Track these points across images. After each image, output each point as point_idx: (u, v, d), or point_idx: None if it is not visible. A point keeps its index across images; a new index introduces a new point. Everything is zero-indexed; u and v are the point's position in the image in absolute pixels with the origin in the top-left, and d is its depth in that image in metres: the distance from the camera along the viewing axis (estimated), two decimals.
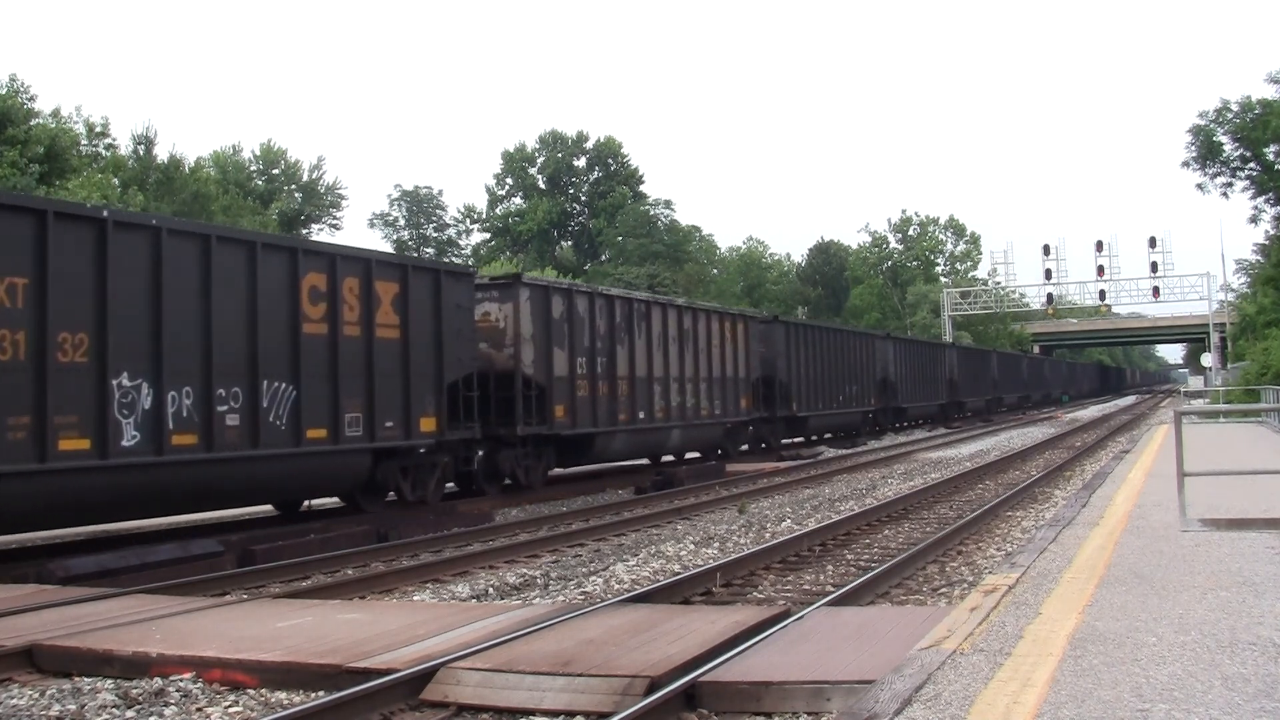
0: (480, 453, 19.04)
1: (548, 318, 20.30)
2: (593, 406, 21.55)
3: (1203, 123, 54.46)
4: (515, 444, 19.79)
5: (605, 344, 22.17)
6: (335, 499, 17.93)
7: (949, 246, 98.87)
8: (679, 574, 11.47)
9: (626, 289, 48.84)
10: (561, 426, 20.50)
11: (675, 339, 25.06)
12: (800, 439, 35.34)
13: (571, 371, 20.87)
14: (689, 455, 28.85)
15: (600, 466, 25.10)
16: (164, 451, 12.68)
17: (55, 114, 45.81)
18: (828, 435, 37.93)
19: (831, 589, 10.64)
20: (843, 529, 14.91)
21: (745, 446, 30.77)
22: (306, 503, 17.63)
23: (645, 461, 27.51)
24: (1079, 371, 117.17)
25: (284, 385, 14.36)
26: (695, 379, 25.96)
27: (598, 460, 23.43)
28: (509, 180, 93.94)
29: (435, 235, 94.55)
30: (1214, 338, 73.62)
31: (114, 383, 12.20)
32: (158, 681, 7.14)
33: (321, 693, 6.81)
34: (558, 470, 22.56)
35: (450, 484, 19.12)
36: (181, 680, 7.14)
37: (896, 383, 43.17)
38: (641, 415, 23.29)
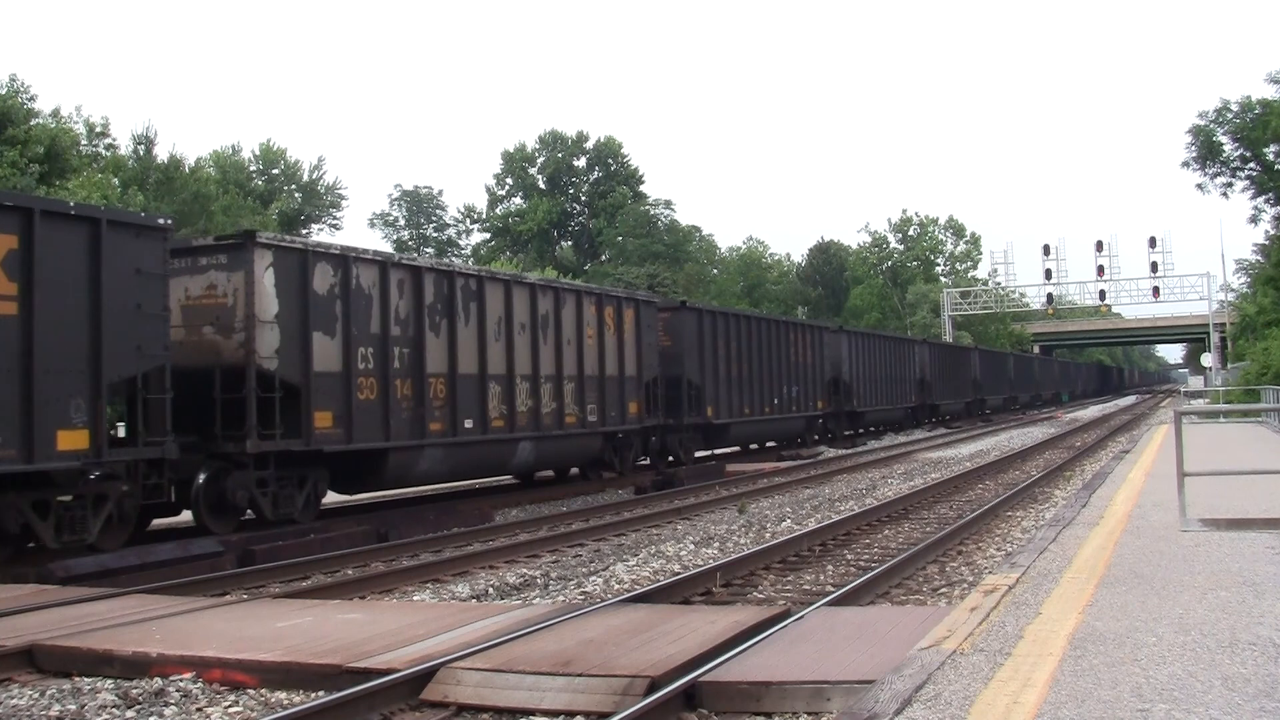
0: (201, 476, 14.24)
1: (305, 293, 15.27)
2: (384, 413, 16.36)
3: (1202, 123, 54.46)
4: (248, 465, 14.64)
5: (408, 330, 17.06)
6: None
7: (949, 246, 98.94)
8: (679, 574, 11.47)
9: (627, 287, 48.85)
10: (326, 440, 15.38)
11: (526, 326, 19.74)
12: (717, 450, 29.98)
13: (348, 366, 15.82)
14: (550, 474, 23.89)
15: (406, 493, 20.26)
16: None
17: (55, 114, 45.78)
18: (753, 446, 32.90)
19: (831, 589, 10.64)
20: (843, 529, 14.91)
21: (645, 460, 25.69)
22: None
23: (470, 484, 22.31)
24: (1073, 371, 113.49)
25: None
26: (557, 378, 20.57)
27: (397, 485, 18.16)
28: (509, 180, 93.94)
29: (435, 235, 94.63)
30: (1214, 338, 73.62)
31: None
32: (158, 681, 7.14)
33: (321, 693, 6.81)
34: (338, 500, 17.97)
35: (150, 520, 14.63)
36: (181, 680, 7.14)
37: (851, 383, 38.01)
38: (468, 424, 18.00)
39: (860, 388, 39.19)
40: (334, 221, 79.01)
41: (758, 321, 31.35)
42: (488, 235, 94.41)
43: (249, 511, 14.96)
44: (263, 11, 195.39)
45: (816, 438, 35.85)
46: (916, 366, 47.41)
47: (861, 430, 40.93)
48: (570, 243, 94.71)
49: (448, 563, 12.94)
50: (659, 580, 11.24)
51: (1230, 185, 55.62)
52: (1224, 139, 54.45)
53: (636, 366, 23.63)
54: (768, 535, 14.85)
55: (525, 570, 12.63)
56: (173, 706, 6.76)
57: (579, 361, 21.36)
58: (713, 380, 27.51)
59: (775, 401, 31.25)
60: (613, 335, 22.62)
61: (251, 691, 7.02)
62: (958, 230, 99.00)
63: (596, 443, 22.39)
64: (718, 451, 29.97)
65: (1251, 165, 54.63)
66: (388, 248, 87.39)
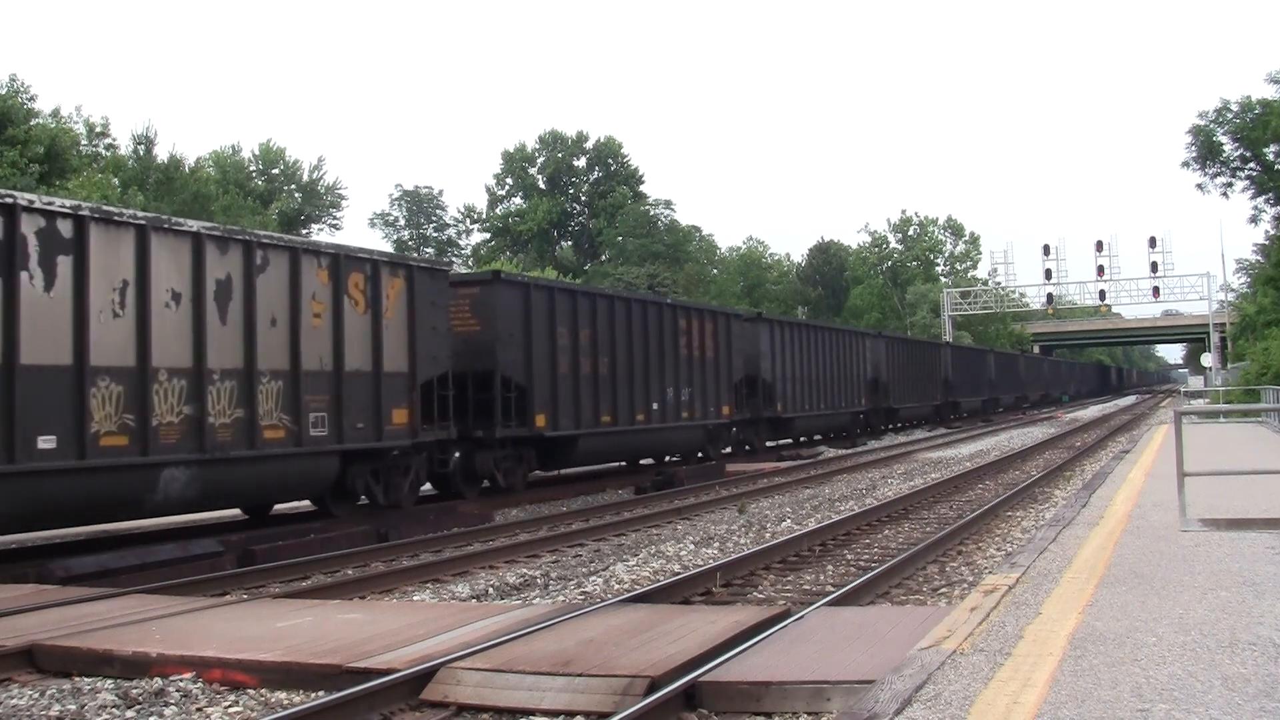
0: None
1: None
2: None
3: (1202, 123, 54.47)
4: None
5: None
6: None
7: (948, 246, 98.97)
8: (679, 574, 11.47)
9: (627, 287, 48.84)
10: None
11: (183, 297, 14.47)
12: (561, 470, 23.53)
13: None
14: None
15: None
16: None
17: (55, 114, 45.86)
18: (654, 459, 27.18)
19: (831, 589, 10.63)
20: (843, 529, 14.91)
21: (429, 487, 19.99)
22: None
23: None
24: (1066, 371, 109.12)
25: None
26: (246, 373, 14.61)
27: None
28: (509, 180, 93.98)
29: (435, 235, 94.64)
30: (1214, 338, 73.63)
31: None
32: (158, 681, 7.14)
33: (321, 693, 6.81)
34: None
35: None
36: (181, 680, 7.14)
37: (774, 384, 30.94)
38: (44, 444, 11.81)
39: (786, 389, 31.62)
40: (334, 221, 79.11)
41: (617, 301, 23.21)
42: (488, 235, 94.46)
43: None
44: (262, 11, 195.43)
45: (746, 448, 29.87)
46: (868, 366, 39.73)
47: (790, 441, 34.15)
48: (570, 243, 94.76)
49: (448, 563, 12.93)
50: (659, 580, 11.24)
51: (1230, 185, 55.67)
52: (1224, 139, 54.47)
53: (408, 359, 16.98)
54: (768, 535, 14.85)
55: (525, 570, 12.63)
56: (173, 706, 6.76)
57: (292, 350, 15.06)
58: (548, 381, 20.14)
59: (654, 407, 23.83)
60: (361, 314, 16.31)
61: (251, 691, 7.02)
62: (957, 230, 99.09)
63: (326, 468, 15.88)
64: (557, 472, 23.04)
65: (1251, 165, 54.64)
66: (388, 247, 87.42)
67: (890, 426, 43.88)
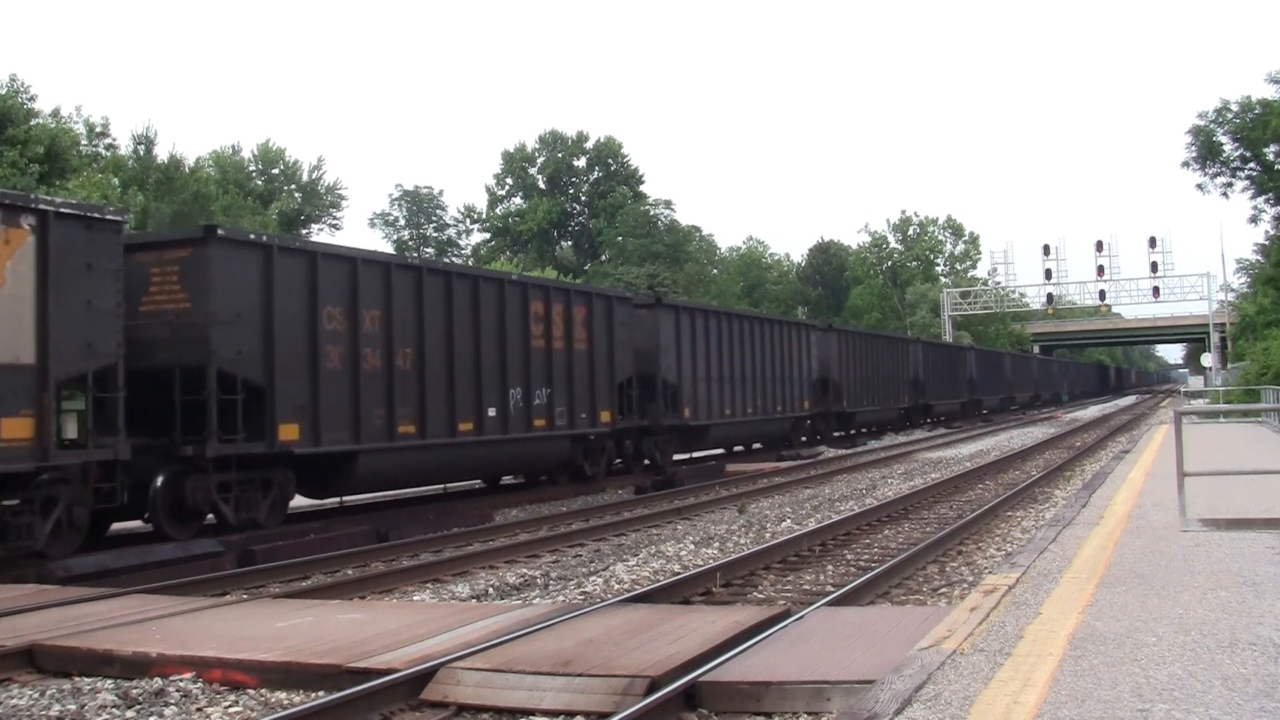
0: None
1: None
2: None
3: (1202, 123, 54.46)
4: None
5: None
6: None
7: (948, 246, 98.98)
8: (679, 574, 11.47)
9: (627, 287, 48.81)
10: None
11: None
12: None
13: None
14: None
15: None
16: None
17: (55, 114, 45.83)
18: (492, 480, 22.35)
19: (831, 589, 10.64)
20: (843, 529, 14.91)
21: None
22: None
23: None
24: (1060, 370, 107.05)
25: None
26: None
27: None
28: (509, 180, 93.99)
29: (435, 235, 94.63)
30: (1214, 338, 73.63)
31: None
32: (158, 681, 7.14)
33: (321, 693, 6.81)
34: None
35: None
36: (181, 680, 7.14)
37: (680, 384, 25.55)
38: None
39: (696, 390, 26.32)
40: (334, 221, 79.13)
41: (427, 274, 17.79)
42: (488, 235, 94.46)
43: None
44: (262, 11, 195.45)
45: (618, 461, 24.26)
46: (814, 362, 34.32)
47: (702, 454, 29.17)
48: (570, 243, 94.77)
49: (448, 563, 12.94)
50: (659, 580, 11.24)
51: (1230, 185, 55.65)
52: (1224, 139, 54.46)
53: (35, 347, 12.03)
54: (768, 535, 14.85)
55: (525, 570, 12.64)
56: (173, 706, 6.76)
57: None
58: (303, 379, 15.14)
59: (491, 414, 18.63)
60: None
61: (251, 691, 7.02)
62: (957, 230, 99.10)
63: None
64: (339, 501, 17.89)
65: (1251, 165, 54.63)
66: (388, 248, 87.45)
67: (844, 433, 38.65)
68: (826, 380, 35.42)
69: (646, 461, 25.12)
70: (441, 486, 20.30)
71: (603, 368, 22.20)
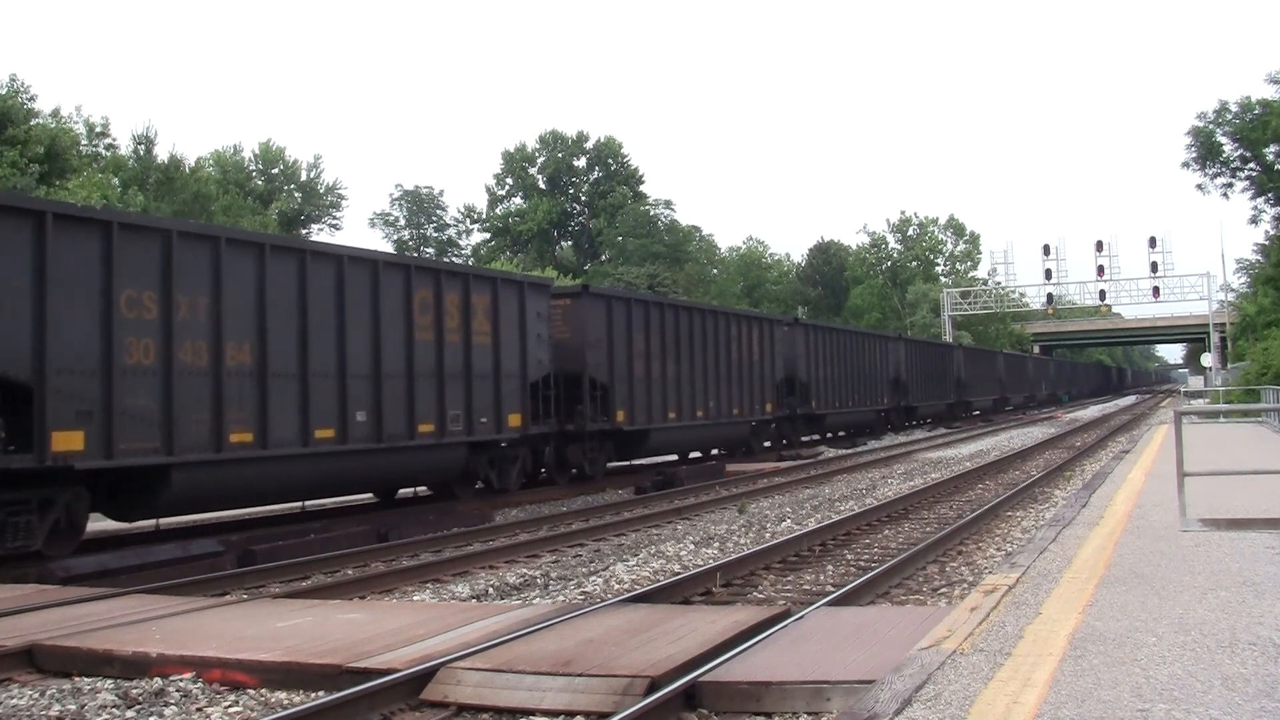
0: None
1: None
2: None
3: (1202, 124, 54.49)
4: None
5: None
6: None
7: (949, 246, 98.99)
8: (679, 574, 11.47)
9: (628, 287, 48.82)
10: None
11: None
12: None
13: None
14: None
15: None
16: None
17: (55, 114, 45.85)
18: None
19: (831, 589, 10.63)
20: (843, 529, 14.91)
21: None
22: None
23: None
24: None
25: None
26: None
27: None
28: (509, 180, 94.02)
29: (435, 235, 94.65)
30: (1214, 338, 73.62)
31: None
32: (158, 681, 7.14)
33: (321, 693, 6.81)
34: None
35: None
36: (181, 680, 7.14)
37: (612, 384, 23.27)
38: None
39: (630, 391, 23.46)
40: (334, 221, 79.14)
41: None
42: (488, 235, 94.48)
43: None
44: (262, 11, 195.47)
45: (542, 472, 22.25)
46: (778, 361, 31.88)
47: (638, 459, 25.99)
48: (570, 243, 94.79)
49: (448, 563, 12.94)
50: (659, 580, 11.24)
51: (1230, 186, 55.70)
52: (1224, 139, 54.50)
53: None
54: (768, 535, 14.85)
55: (525, 570, 12.64)
56: (173, 706, 6.76)
57: None
58: (83, 379, 12.44)
59: (361, 418, 16.03)
60: None
61: (251, 691, 7.02)
62: (957, 230, 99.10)
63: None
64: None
65: (1251, 165, 54.66)
66: (388, 248, 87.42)
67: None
68: (793, 380, 32.17)
69: (575, 471, 22.32)
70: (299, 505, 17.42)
71: (511, 365, 19.32)
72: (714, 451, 29.54)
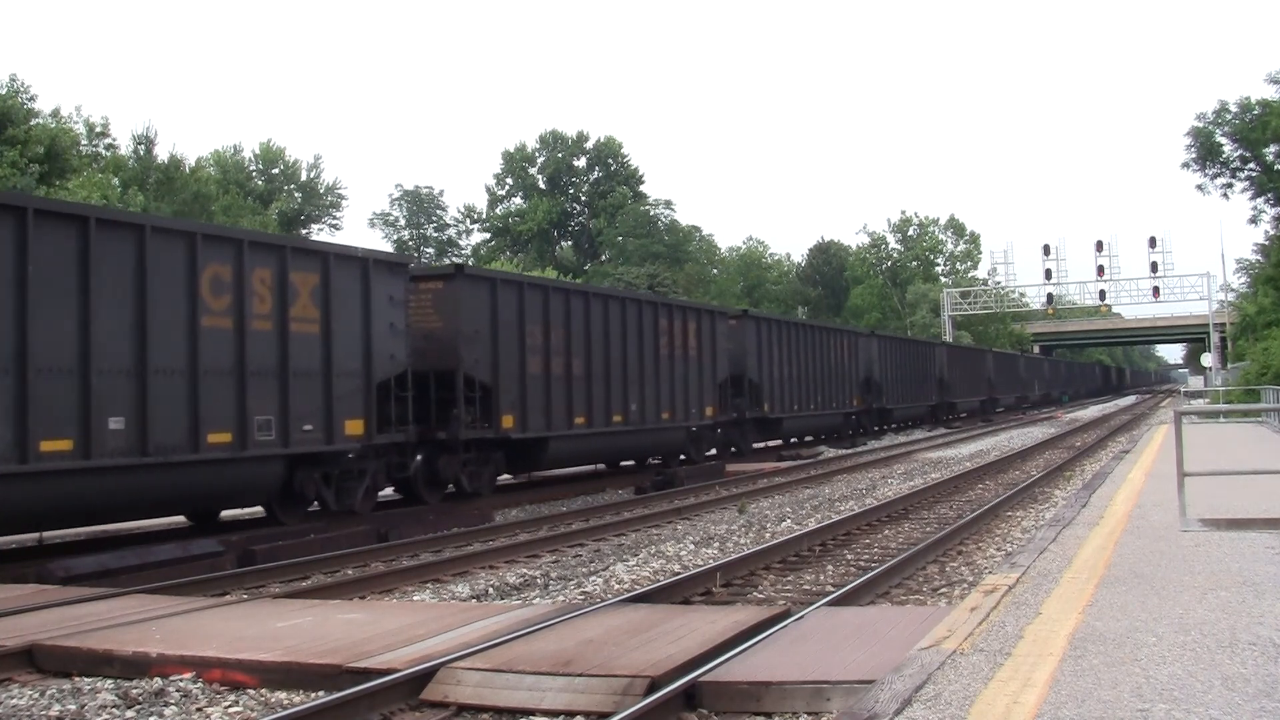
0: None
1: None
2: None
3: (1202, 124, 54.50)
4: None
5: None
6: None
7: (949, 246, 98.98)
8: (679, 574, 11.47)
9: (628, 287, 48.80)
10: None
11: None
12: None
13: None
14: None
15: None
16: None
17: (55, 114, 45.89)
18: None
19: (831, 589, 10.64)
20: (843, 529, 14.91)
21: None
22: None
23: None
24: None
25: None
26: None
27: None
28: (509, 180, 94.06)
29: (435, 235, 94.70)
30: (1214, 338, 73.65)
31: None
32: (158, 681, 7.14)
33: (321, 693, 6.81)
34: None
35: None
36: (181, 680, 7.14)
37: (495, 386, 19.36)
38: None
39: (522, 392, 19.79)
40: (334, 221, 79.20)
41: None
42: (488, 235, 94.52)
43: None
44: (262, 11, 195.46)
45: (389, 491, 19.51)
46: (722, 359, 27.58)
47: (537, 472, 22.74)
48: (570, 243, 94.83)
49: (448, 563, 12.94)
50: (659, 580, 11.24)
51: (1230, 186, 55.71)
52: (1224, 140, 54.51)
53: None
54: (768, 535, 14.85)
55: (525, 570, 12.64)
56: (173, 706, 6.76)
57: None
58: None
59: (117, 425, 12.73)
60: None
61: (251, 691, 7.02)
62: (958, 230, 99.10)
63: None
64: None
65: (1251, 166, 54.67)
66: (388, 248, 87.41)
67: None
68: (741, 379, 28.62)
69: (451, 488, 19.12)
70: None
71: (349, 360, 15.86)
72: (649, 460, 25.72)
